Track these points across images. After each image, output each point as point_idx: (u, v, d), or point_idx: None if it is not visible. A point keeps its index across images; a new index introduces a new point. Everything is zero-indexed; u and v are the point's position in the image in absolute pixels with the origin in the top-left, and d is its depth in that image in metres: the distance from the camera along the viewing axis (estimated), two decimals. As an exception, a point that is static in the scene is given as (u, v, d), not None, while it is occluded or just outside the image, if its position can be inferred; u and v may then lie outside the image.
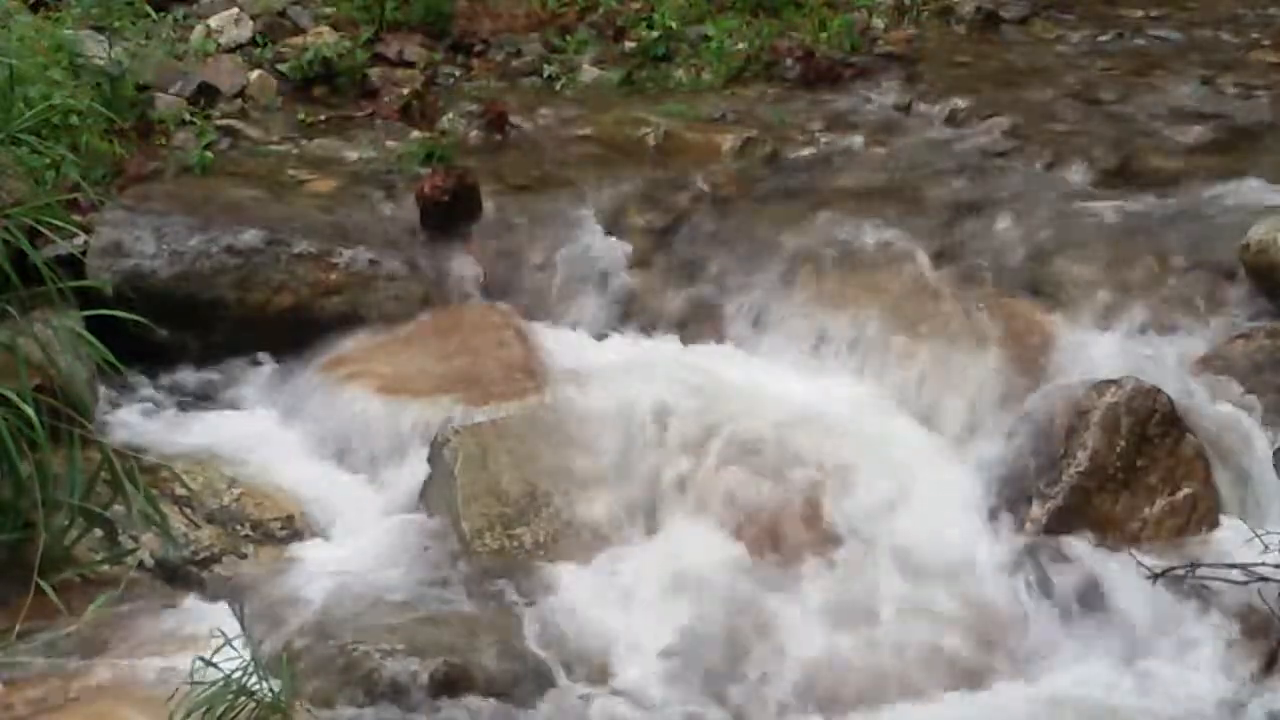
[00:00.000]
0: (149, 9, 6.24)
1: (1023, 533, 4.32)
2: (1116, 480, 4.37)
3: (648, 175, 5.68)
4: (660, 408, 4.57)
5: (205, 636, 3.57)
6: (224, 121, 5.90)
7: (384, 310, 5.01)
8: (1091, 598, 4.15)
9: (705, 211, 5.46)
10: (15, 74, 4.70)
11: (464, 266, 5.20)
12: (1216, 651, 4.01)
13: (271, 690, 3.38)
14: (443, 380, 4.75)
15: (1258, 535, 4.21)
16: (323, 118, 6.11)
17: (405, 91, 6.27)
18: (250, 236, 5.03)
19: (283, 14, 6.66)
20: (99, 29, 5.91)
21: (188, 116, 5.79)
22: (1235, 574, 4.14)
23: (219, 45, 6.36)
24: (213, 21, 6.48)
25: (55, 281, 4.15)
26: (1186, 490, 4.39)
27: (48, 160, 4.82)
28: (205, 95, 6.00)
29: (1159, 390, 4.46)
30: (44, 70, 5.15)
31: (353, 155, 5.82)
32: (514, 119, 6.04)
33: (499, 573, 4.18)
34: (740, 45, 6.64)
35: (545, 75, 6.58)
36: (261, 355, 4.94)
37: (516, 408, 4.62)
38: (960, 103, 6.20)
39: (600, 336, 5.07)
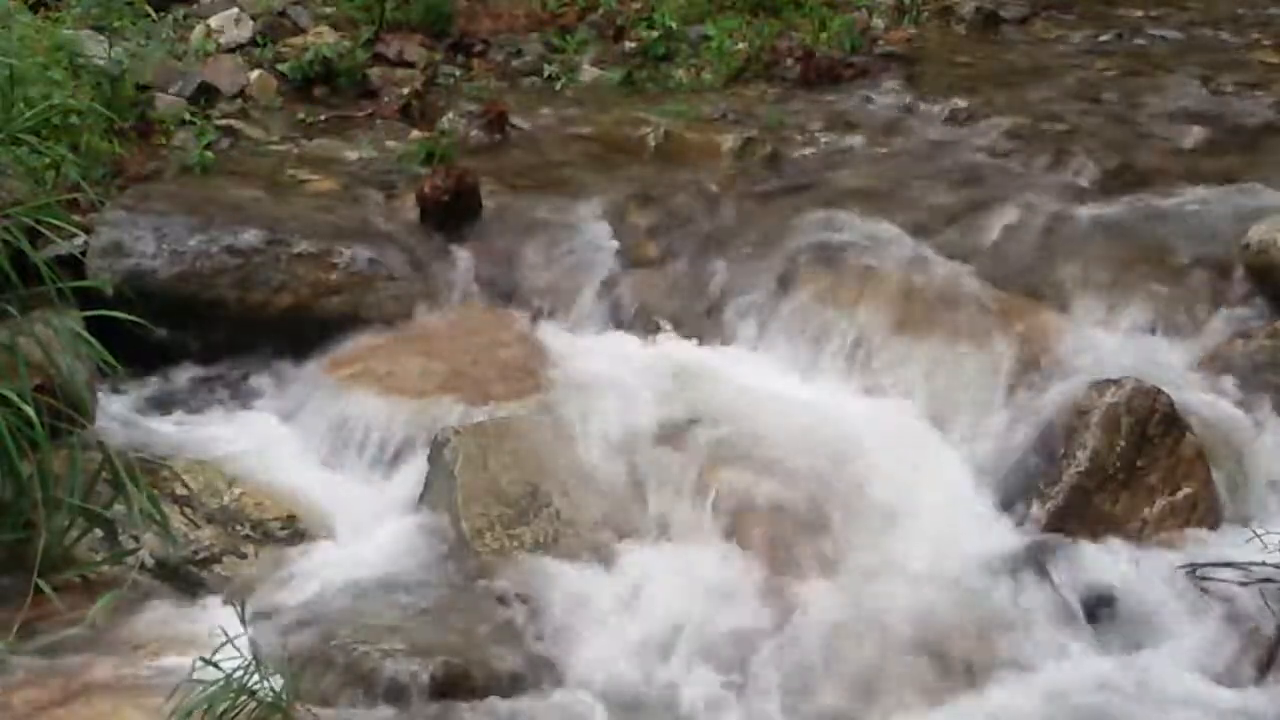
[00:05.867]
0: (149, 9, 6.25)
1: (1022, 532, 4.32)
2: (1116, 480, 4.37)
3: (648, 175, 5.69)
4: (660, 408, 4.58)
5: (205, 636, 3.57)
6: (224, 121, 5.91)
7: (384, 310, 5.01)
8: (1091, 598, 4.15)
9: (705, 211, 5.46)
10: (15, 74, 4.69)
11: (464, 266, 5.20)
12: (1216, 651, 4.01)
13: (272, 690, 3.38)
14: (443, 380, 4.75)
15: (1258, 535, 4.21)
16: (323, 118, 6.11)
17: (405, 91, 6.27)
18: (250, 236, 5.03)
19: (283, 14, 6.67)
20: (99, 29, 5.92)
21: (188, 116, 5.80)
22: (1235, 574, 4.14)
23: (219, 45, 6.36)
24: (213, 21, 6.48)
25: (55, 281, 4.15)
26: (1186, 490, 4.39)
27: (48, 160, 4.82)
28: (205, 95, 6.00)
29: (1159, 390, 4.46)
30: (44, 70, 5.15)
31: (353, 155, 5.82)
32: (514, 119, 6.04)
33: (499, 573, 4.17)
34: (740, 45, 6.64)
35: (545, 75, 6.58)
36: (261, 355, 4.94)
37: (516, 408, 4.62)
38: (960, 103, 6.20)
39: (600, 336, 5.07)
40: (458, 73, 6.62)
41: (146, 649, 3.77)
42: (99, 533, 4.10)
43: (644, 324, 5.09)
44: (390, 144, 5.90)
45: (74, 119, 5.17)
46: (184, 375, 4.92)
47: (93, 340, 4.28)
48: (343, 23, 6.68)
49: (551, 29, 6.97)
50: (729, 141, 5.87)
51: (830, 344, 4.89)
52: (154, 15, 6.28)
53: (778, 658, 4.00)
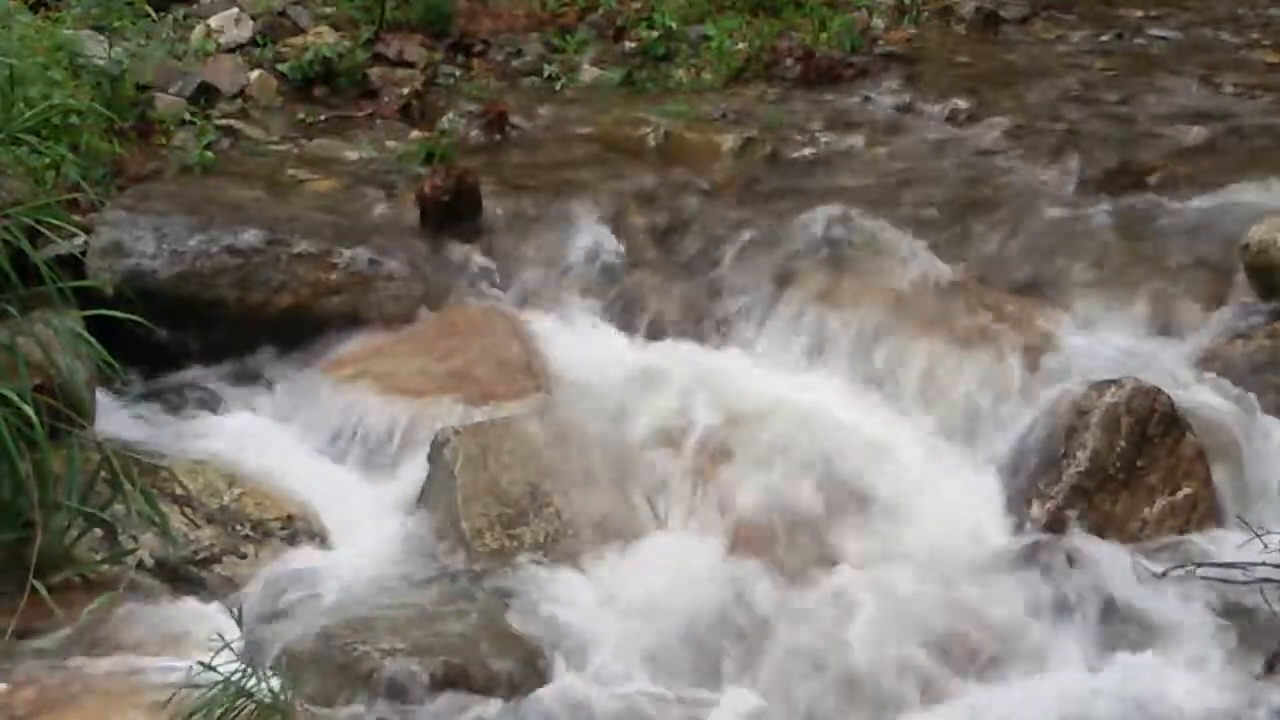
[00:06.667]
0: (149, 9, 6.25)
1: (1022, 533, 4.32)
2: (1116, 480, 4.37)
3: (648, 175, 5.68)
4: (660, 407, 4.57)
5: (205, 636, 3.57)
6: (224, 121, 5.91)
7: (384, 310, 5.01)
8: (1091, 598, 4.15)
9: (705, 211, 5.46)
10: (15, 74, 4.69)
11: (464, 266, 5.20)
12: (1217, 652, 4.00)
13: (271, 691, 3.38)
14: (443, 380, 4.75)
15: (1258, 535, 4.21)
16: (323, 118, 6.11)
17: (405, 91, 6.27)
18: (250, 236, 5.03)
19: (283, 14, 6.67)
20: (99, 29, 5.91)
21: (188, 116, 5.80)
22: (1235, 574, 4.14)
23: (219, 45, 6.36)
24: (213, 21, 6.48)
25: (55, 281, 4.15)
26: (1186, 490, 4.39)
27: (48, 160, 4.82)
28: (205, 95, 6.00)
29: (1159, 390, 4.46)
30: (44, 70, 5.14)
31: (353, 155, 5.82)
32: (514, 119, 6.05)
33: (499, 573, 4.17)
34: (740, 45, 6.64)
35: (545, 75, 6.58)
36: (261, 355, 4.94)
37: (516, 408, 4.62)
38: (960, 103, 6.20)
39: (600, 336, 5.06)
40: (458, 73, 6.62)
41: (146, 649, 3.76)
42: (99, 533, 4.10)
43: (644, 324, 5.08)
44: (390, 144, 5.90)
45: (74, 119, 5.17)
46: (184, 375, 4.92)
47: (93, 340, 4.28)
48: (343, 23, 6.68)
49: (551, 29, 6.97)
50: (729, 141, 5.87)
51: (830, 344, 4.89)
52: (154, 15, 6.28)
53: (777, 658, 4.00)
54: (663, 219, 5.42)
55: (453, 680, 3.77)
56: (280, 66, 6.29)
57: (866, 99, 6.33)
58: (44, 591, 3.78)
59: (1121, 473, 4.37)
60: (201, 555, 4.24)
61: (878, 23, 7.04)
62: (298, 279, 5.00)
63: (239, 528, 4.34)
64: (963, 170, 5.72)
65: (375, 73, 6.40)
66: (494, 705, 3.76)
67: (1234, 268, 4.95)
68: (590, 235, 5.31)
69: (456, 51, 6.77)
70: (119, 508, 4.07)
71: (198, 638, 3.70)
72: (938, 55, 6.80)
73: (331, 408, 4.73)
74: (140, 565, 4.08)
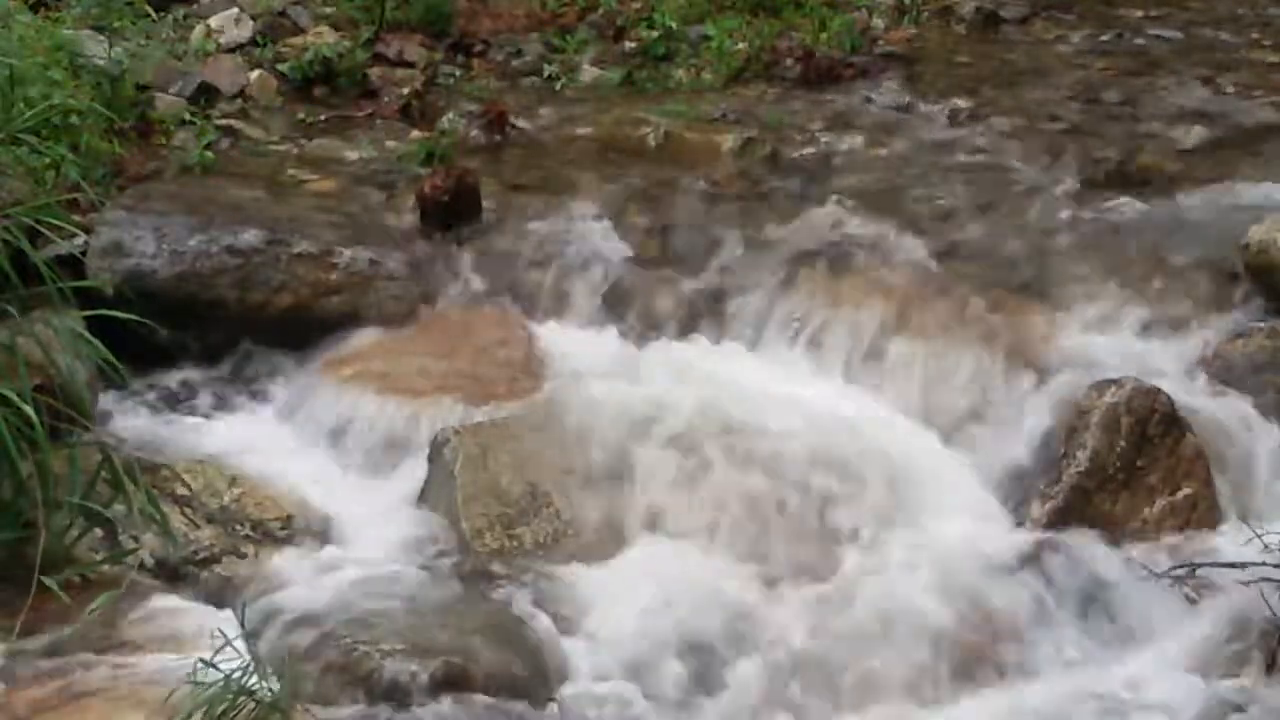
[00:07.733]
0: (149, 9, 6.24)
1: (1022, 533, 4.32)
2: (1116, 480, 4.37)
3: (648, 175, 5.68)
4: (660, 408, 4.57)
5: (205, 636, 3.57)
6: (224, 121, 5.91)
7: (384, 310, 5.01)
8: (1091, 598, 4.15)
9: (705, 211, 5.46)
10: (15, 74, 4.69)
11: (464, 266, 5.20)
12: (1217, 652, 4.01)
13: (271, 690, 3.38)
14: (443, 380, 4.75)
15: (1258, 535, 4.21)
16: (323, 118, 6.11)
17: (405, 91, 6.27)
18: (250, 236, 5.03)
19: (283, 14, 6.67)
20: (99, 29, 5.91)
21: (188, 116, 5.80)
22: (1235, 574, 4.14)
23: (219, 45, 6.36)
24: (213, 21, 6.48)
25: (55, 281, 4.14)
26: (1186, 490, 4.39)
27: (48, 160, 4.82)
28: (205, 95, 6.00)
29: (1159, 390, 4.46)
30: (44, 70, 5.14)
31: (353, 155, 5.82)
32: (514, 119, 6.05)
33: (499, 573, 4.18)
34: (740, 45, 6.64)
35: (545, 75, 6.58)
36: (261, 355, 4.94)
37: (516, 408, 4.62)
38: (960, 103, 6.21)
39: (600, 336, 5.06)
40: (458, 73, 6.62)
41: (146, 649, 3.76)
42: (99, 532, 4.10)
43: (644, 324, 5.09)
44: (390, 144, 5.90)
45: (74, 119, 5.17)
46: (184, 375, 4.92)
47: (93, 340, 4.28)
48: (343, 23, 6.68)
49: (551, 29, 6.97)
50: (729, 141, 5.87)
51: (830, 344, 4.89)
52: (154, 15, 6.28)
53: (777, 658, 4.00)
54: (663, 219, 5.42)
55: (453, 680, 3.76)
56: (280, 66, 6.29)
57: (866, 99, 6.33)
58: (56, 587, 3.78)
59: (1121, 473, 4.37)
60: (202, 555, 4.24)
61: (878, 23, 7.04)
62: (298, 279, 5.00)
63: (239, 527, 4.34)
64: (963, 170, 5.72)
65: (375, 73, 6.40)
66: (494, 706, 3.75)
67: (1234, 268, 4.95)
68: (590, 235, 5.31)
69: (456, 51, 6.77)
70: (119, 507, 4.07)
71: (197, 638, 3.71)
72: (938, 55, 6.80)
73: (331, 407, 4.73)
74: (140, 565, 4.07)
